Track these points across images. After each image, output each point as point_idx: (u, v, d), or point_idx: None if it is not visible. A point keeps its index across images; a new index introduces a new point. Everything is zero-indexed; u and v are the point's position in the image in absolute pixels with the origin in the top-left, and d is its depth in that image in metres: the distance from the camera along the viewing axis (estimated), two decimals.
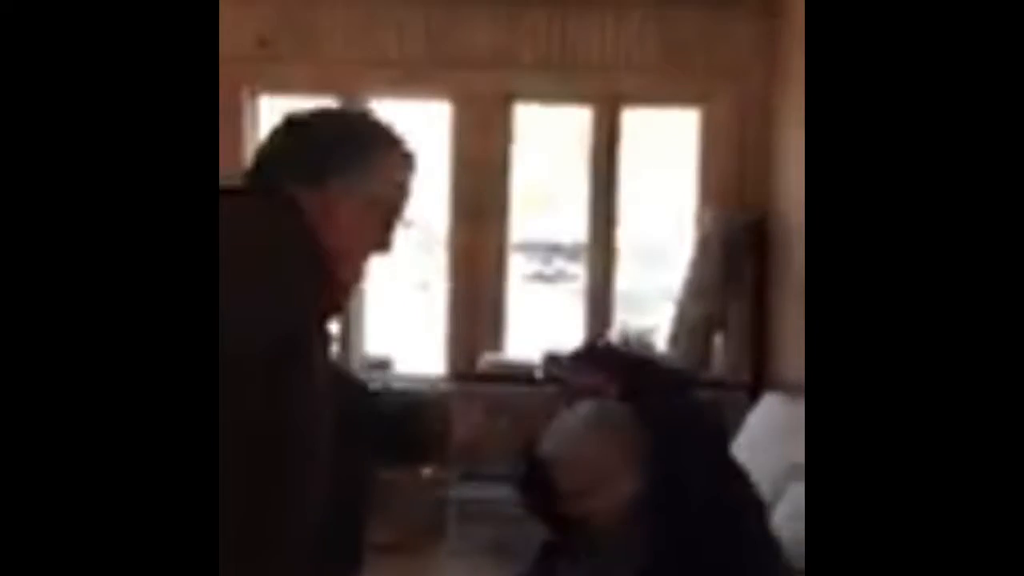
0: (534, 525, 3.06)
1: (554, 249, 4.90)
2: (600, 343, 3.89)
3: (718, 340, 4.25)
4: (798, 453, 2.83)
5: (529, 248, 4.81)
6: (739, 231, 4.21)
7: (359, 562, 1.68)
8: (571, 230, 4.71)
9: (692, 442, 1.77)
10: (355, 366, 4.32)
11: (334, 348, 1.50)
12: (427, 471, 3.46)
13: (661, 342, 4.31)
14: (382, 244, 1.41)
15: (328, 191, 1.33)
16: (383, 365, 4.47)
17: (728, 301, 4.27)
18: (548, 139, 4.87)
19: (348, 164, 1.35)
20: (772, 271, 4.22)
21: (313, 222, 1.29)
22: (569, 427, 1.80)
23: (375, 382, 2.70)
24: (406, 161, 1.43)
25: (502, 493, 3.74)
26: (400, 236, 1.45)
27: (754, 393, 3.90)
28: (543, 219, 4.86)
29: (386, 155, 1.40)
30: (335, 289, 1.34)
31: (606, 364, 2.12)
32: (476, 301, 4.46)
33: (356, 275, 1.40)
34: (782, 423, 3.15)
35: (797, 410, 3.27)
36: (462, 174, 4.47)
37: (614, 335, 4.39)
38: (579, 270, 4.69)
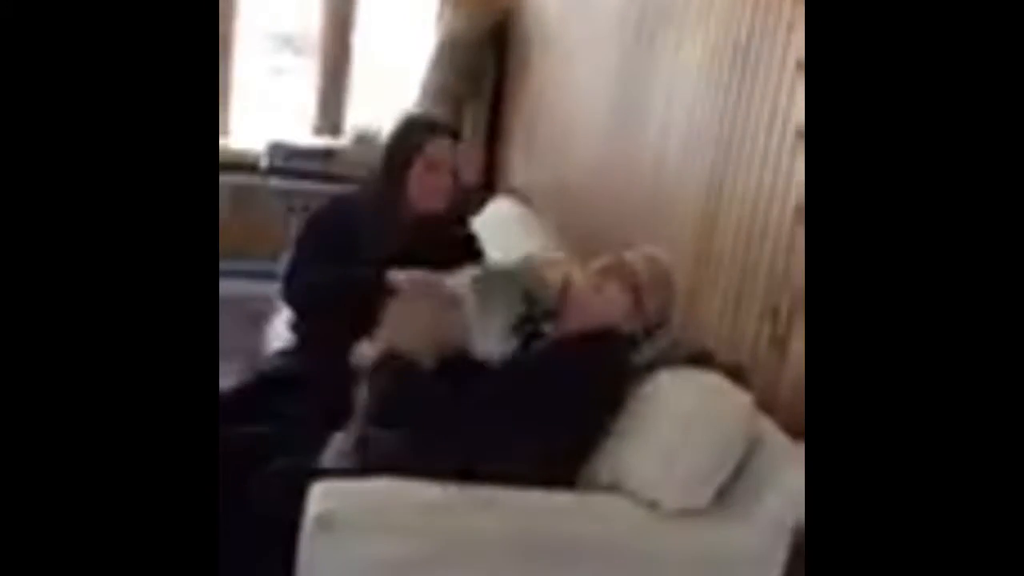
0: (257, 330, 2.95)
1: (284, 41, 4.57)
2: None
3: None
4: (527, 242, 2.91)
5: (256, 37, 4.46)
6: (479, 32, 4.12)
7: None
8: (303, 22, 4.42)
9: None
10: None
11: None
12: None
13: None
14: None
15: None
16: None
17: (466, 104, 4.21)
18: None
19: None
20: (510, 81, 4.19)
21: None
22: None
23: None
24: None
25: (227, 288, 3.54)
26: None
27: (484, 198, 3.92)
28: (272, 7, 4.50)
29: None
30: None
31: None
32: None
33: None
34: (512, 220, 3.19)
35: (523, 210, 3.34)
36: None
37: (347, 134, 4.22)
38: (310, 65, 4.43)
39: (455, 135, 2.25)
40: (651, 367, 1.81)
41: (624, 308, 1.85)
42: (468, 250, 2.31)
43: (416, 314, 1.92)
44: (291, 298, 2.28)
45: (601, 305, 1.86)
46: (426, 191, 2.16)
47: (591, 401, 1.80)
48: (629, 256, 1.91)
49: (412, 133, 2.21)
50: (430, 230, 2.18)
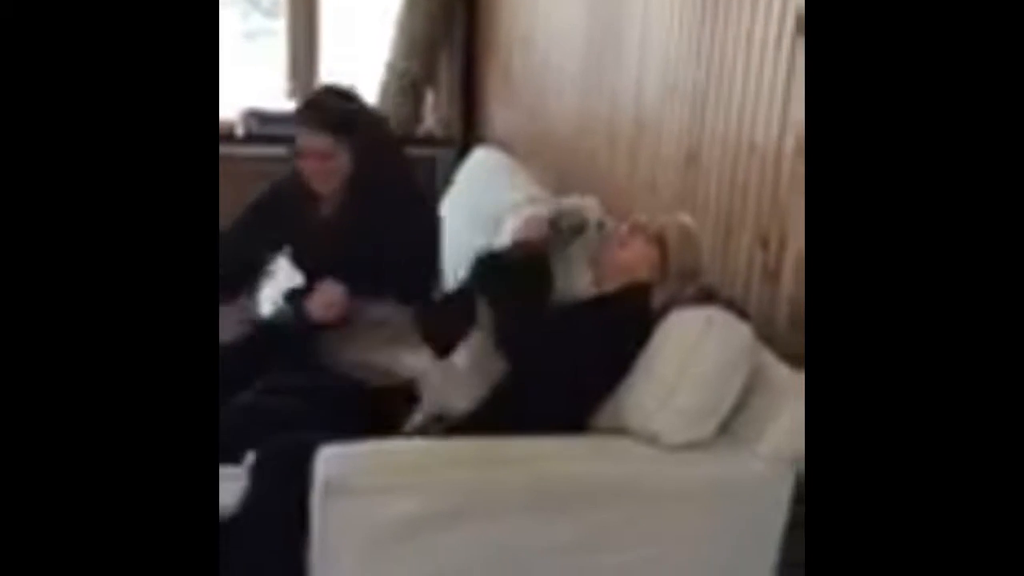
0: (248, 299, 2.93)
1: (252, 4, 4.49)
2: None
3: (429, 96, 4.16)
4: (512, 193, 2.89)
5: (225, 3, 4.37)
6: None
7: None
8: None
9: None
10: None
11: None
12: None
13: (371, 99, 4.15)
14: None
15: None
16: None
17: (438, 57, 4.15)
18: None
19: None
20: (481, 26, 4.13)
21: None
22: None
23: None
24: None
25: None
26: None
27: (464, 148, 3.89)
28: None
29: None
30: None
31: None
32: None
33: None
34: (495, 169, 3.17)
35: (505, 158, 3.31)
36: None
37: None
38: (279, 27, 4.35)
39: (319, 119, 2.27)
40: (664, 310, 1.83)
41: (650, 261, 1.91)
42: (411, 208, 2.35)
43: None
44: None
45: (627, 259, 1.93)
46: (310, 177, 2.30)
47: (613, 353, 1.83)
48: (658, 216, 2.00)
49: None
50: (353, 202, 2.31)
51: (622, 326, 1.84)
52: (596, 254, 1.99)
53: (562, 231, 2.02)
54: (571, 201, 2.13)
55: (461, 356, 1.95)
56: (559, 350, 1.82)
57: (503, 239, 2.37)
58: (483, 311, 1.93)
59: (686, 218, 2.02)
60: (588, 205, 2.06)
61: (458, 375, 1.91)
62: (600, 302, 1.92)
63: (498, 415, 1.82)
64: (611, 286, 1.93)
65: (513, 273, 1.95)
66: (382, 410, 1.91)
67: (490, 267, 1.99)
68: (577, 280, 2.01)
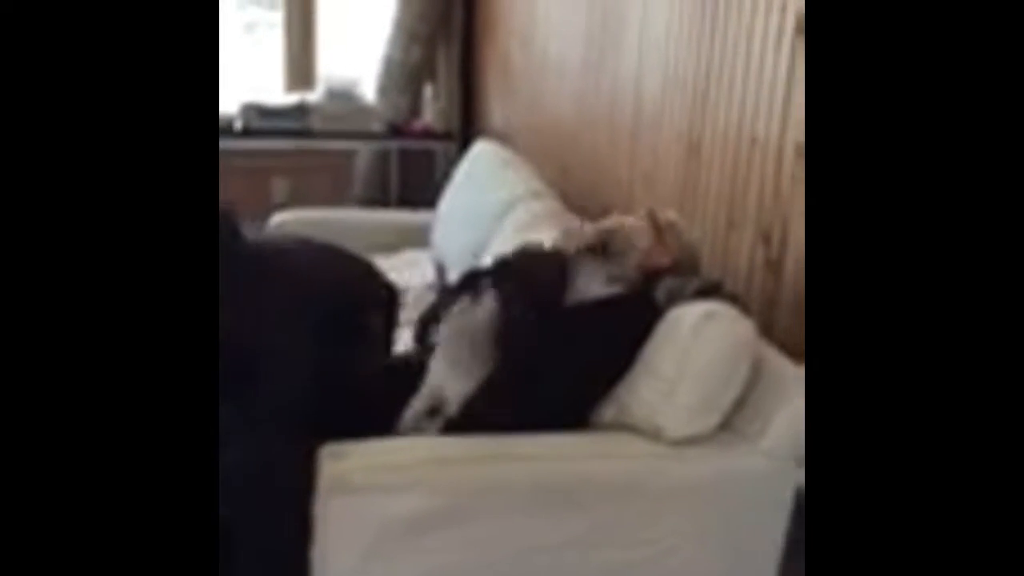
0: None
1: None
2: None
3: (428, 90, 4.15)
4: (513, 187, 2.88)
5: None
6: None
7: None
8: None
9: None
10: None
11: None
12: None
13: (369, 93, 4.14)
14: None
15: None
16: None
17: (437, 50, 4.14)
18: None
19: None
20: (480, 19, 4.12)
21: None
22: None
23: None
24: None
25: None
26: None
27: (465, 142, 3.89)
28: None
29: None
30: None
31: None
32: None
33: None
34: (496, 163, 3.15)
35: (505, 151, 3.30)
36: None
37: (319, 90, 4.16)
38: (277, 19, 4.34)
39: None
40: (666, 305, 1.82)
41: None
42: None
43: None
44: None
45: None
46: None
47: (616, 355, 1.82)
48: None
49: None
50: None
51: (626, 327, 1.83)
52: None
53: (606, 254, 1.94)
54: (616, 223, 2.00)
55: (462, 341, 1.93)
56: (560, 351, 1.81)
57: (506, 235, 2.36)
58: (487, 307, 1.92)
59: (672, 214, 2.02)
60: (636, 230, 1.95)
61: (459, 358, 1.88)
62: (607, 303, 1.89)
63: (492, 409, 1.80)
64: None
65: (528, 271, 1.94)
66: (380, 394, 1.90)
67: (507, 263, 1.97)
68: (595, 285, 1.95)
